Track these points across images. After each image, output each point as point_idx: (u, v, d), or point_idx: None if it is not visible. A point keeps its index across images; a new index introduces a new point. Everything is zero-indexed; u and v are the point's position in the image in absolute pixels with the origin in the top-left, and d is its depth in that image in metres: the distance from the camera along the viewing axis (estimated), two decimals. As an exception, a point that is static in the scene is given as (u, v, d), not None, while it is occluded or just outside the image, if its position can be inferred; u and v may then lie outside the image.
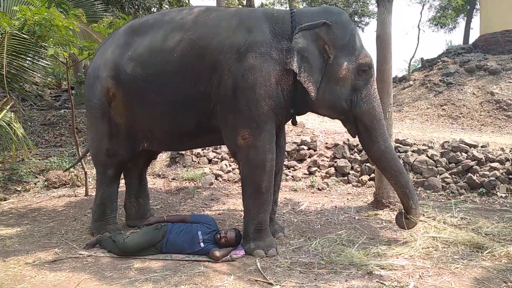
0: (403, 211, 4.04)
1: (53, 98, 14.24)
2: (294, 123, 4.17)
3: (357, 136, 4.07)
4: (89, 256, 3.76)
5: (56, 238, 4.37)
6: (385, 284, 3.02)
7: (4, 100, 6.13)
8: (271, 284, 3.07)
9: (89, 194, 6.43)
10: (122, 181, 4.90)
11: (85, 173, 6.57)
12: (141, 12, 11.40)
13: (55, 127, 10.63)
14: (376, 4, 5.77)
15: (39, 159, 8.14)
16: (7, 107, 6.08)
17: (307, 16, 3.75)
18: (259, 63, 3.59)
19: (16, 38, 6.08)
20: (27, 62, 7.12)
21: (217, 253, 3.61)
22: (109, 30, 5.75)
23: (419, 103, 11.17)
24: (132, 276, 3.25)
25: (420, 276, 3.20)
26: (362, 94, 3.76)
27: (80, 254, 3.81)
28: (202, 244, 3.72)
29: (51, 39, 5.27)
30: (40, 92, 13.73)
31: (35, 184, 7.13)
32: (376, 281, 3.09)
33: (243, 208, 3.95)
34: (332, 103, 3.79)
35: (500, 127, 9.34)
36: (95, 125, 4.34)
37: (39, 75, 8.11)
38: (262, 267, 3.38)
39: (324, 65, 3.69)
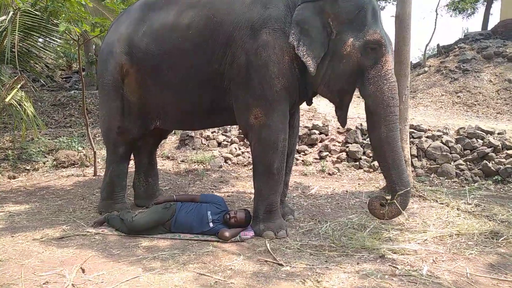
0: (382, 200, 3.50)
1: (64, 79, 14.24)
2: (309, 103, 4.05)
3: None
4: (96, 233, 3.73)
5: (64, 215, 4.35)
6: (397, 268, 2.94)
7: (15, 78, 6.08)
8: (281, 265, 2.99)
9: (97, 174, 6.43)
10: (132, 162, 4.85)
11: (94, 153, 6.56)
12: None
13: (65, 107, 10.62)
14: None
15: (49, 139, 8.14)
16: (18, 86, 6.03)
17: None
18: (272, 39, 3.46)
19: (28, 15, 6.03)
20: (39, 41, 7.08)
21: (227, 233, 3.54)
22: (122, 6, 5.69)
23: (434, 90, 10.92)
24: (140, 254, 3.21)
25: (433, 261, 3.10)
26: (370, 74, 3.39)
27: (87, 231, 3.77)
28: (211, 224, 3.66)
29: (63, 15, 5.22)
30: (51, 73, 13.74)
31: (44, 163, 7.15)
32: (389, 265, 3.01)
33: (253, 189, 3.88)
34: (331, 81, 3.53)
35: (516, 115, 9.10)
36: (107, 102, 4.27)
37: (51, 55, 8.08)
38: (271, 248, 3.31)
39: (328, 40, 3.47)
